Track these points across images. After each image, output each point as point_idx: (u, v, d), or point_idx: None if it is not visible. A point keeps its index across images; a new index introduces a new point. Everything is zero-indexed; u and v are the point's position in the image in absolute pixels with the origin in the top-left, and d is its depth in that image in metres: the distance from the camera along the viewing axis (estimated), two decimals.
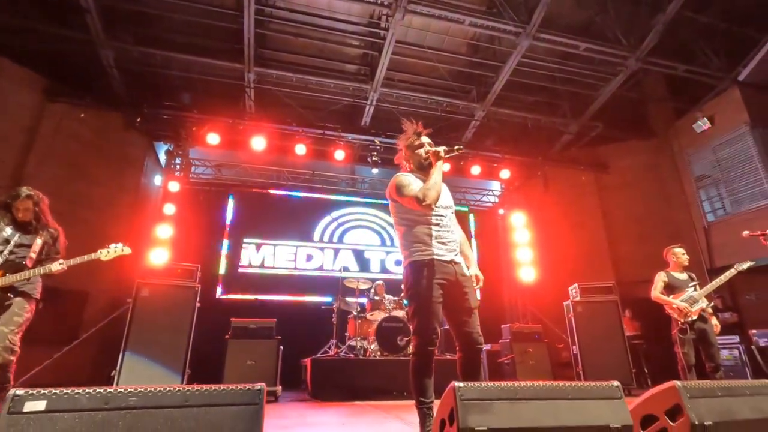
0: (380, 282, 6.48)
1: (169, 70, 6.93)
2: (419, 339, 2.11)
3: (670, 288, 4.05)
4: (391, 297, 6.14)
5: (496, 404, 1.40)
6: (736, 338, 5.93)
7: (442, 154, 2.27)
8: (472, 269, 2.32)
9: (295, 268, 8.24)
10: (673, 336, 3.95)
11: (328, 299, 6.33)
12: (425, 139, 2.41)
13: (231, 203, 8.29)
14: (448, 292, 2.15)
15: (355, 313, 5.97)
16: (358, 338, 5.70)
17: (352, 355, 5.55)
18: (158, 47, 6.35)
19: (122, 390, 1.13)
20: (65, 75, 6.43)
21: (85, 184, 6.61)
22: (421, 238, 2.19)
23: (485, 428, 1.35)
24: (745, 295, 7.02)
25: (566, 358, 6.74)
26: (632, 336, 6.72)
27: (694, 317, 3.88)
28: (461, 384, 1.43)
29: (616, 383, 1.57)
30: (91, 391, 1.11)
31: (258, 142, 7.05)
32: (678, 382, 1.61)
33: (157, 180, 8.06)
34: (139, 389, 1.15)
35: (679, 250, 4.15)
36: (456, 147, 2.29)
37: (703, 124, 7.64)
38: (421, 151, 2.36)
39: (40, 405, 1.04)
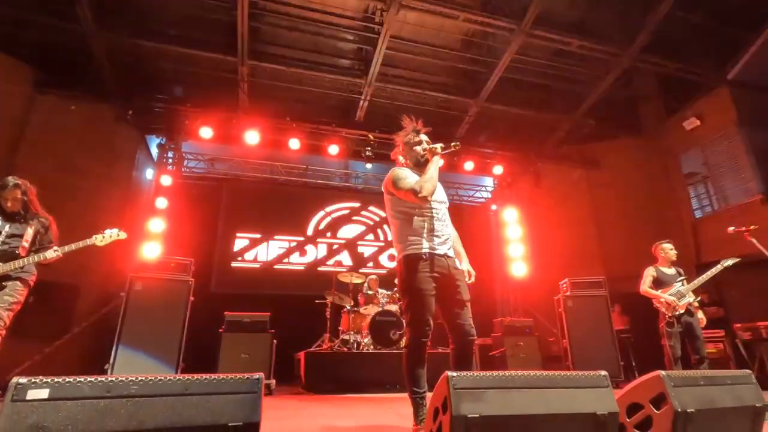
0: (374, 276, 6.52)
1: (162, 63, 6.86)
2: (412, 331, 2.15)
3: (659, 282, 4.15)
4: (384, 291, 6.18)
5: (488, 393, 1.45)
6: (722, 332, 6.07)
7: (439, 150, 2.31)
8: (464, 265, 2.36)
9: (289, 263, 8.25)
10: (660, 329, 4.05)
11: (322, 293, 6.35)
12: (423, 137, 2.44)
13: (224, 197, 8.26)
14: (441, 285, 2.19)
15: (348, 307, 6.01)
16: (352, 332, 5.74)
17: (345, 349, 5.59)
18: (150, 39, 6.28)
19: (124, 378, 1.16)
20: (55, 66, 6.33)
21: (75, 177, 6.53)
22: (416, 231, 2.23)
23: (477, 415, 1.39)
24: (731, 290, 7.18)
25: (557, 351, 6.85)
26: (621, 330, 6.85)
27: (682, 311, 3.98)
28: (454, 373, 1.47)
29: (603, 373, 1.62)
30: (93, 379, 1.13)
31: (252, 136, 7.02)
32: (662, 372, 1.67)
33: (149, 174, 7.99)
34: (140, 378, 1.17)
35: (668, 246, 4.24)
36: (453, 144, 2.33)
37: (692, 123, 7.77)
38: (419, 149, 2.39)
39: (43, 393, 1.06)
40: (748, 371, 1.96)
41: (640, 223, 8.22)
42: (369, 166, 7.92)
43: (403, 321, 2.12)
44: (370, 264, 8.64)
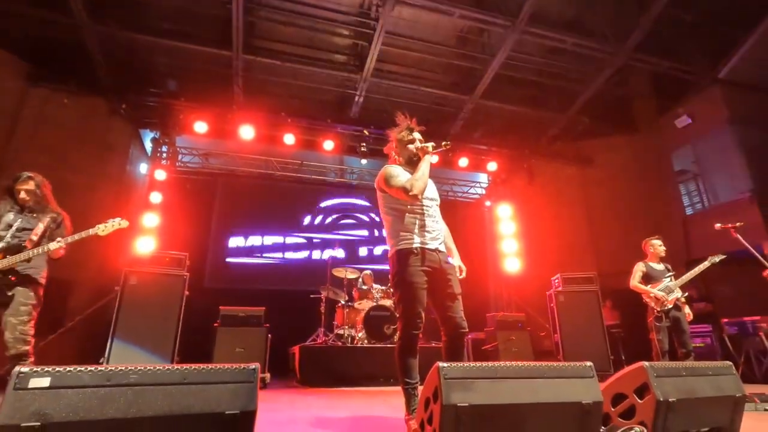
0: (368, 272, 6.56)
1: (156, 57, 6.81)
2: (404, 323, 2.20)
3: (648, 278, 4.23)
4: (378, 286, 6.23)
5: (477, 383, 1.49)
6: (709, 327, 6.19)
7: (430, 149, 2.36)
8: (455, 260, 2.42)
9: (284, 258, 8.27)
10: (648, 323, 4.14)
11: (317, 288, 6.39)
12: (417, 135, 2.48)
13: (219, 192, 8.25)
14: (432, 279, 2.24)
15: (343, 302, 6.05)
16: (346, 327, 5.79)
17: (339, 343, 5.64)
18: (144, 33, 6.23)
19: (123, 368, 1.19)
20: (48, 59, 6.27)
21: (68, 171, 6.48)
22: (408, 227, 2.28)
23: (467, 404, 1.44)
24: (720, 287, 7.30)
25: (548, 346, 6.95)
26: (612, 325, 6.95)
27: (670, 306, 4.06)
28: (445, 364, 1.52)
29: (589, 364, 1.67)
30: (93, 368, 1.16)
31: (246, 131, 7.01)
32: (646, 363, 1.73)
33: (143, 168, 7.95)
34: (139, 367, 1.20)
35: (657, 242, 4.32)
36: (444, 143, 2.39)
37: (684, 121, 7.86)
38: (412, 147, 2.44)
39: (45, 381, 1.09)
40: (729, 363, 2.03)
41: (632, 220, 8.32)
42: (364, 161, 7.94)
43: (396, 312, 2.19)
44: (364, 259, 8.68)
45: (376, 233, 8.89)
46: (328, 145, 7.46)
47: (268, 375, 5.10)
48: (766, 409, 2.87)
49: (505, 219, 8.85)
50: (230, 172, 8.42)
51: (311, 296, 6.44)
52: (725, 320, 6.01)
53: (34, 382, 1.08)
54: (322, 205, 8.84)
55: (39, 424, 1.04)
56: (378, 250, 8.84)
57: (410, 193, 2.20)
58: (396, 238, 2.30)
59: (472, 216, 9.77)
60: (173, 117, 6.97)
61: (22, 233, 2.80)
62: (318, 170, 8.80)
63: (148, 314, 4.75)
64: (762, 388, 4.10)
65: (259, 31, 6.83)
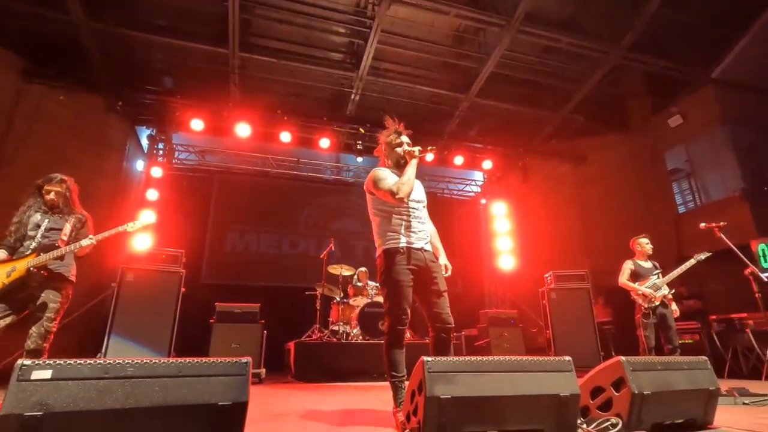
0: (363, 269, 6.63)
1: (152, 54, 6.83)
2: (391, 318, 2.30)
3: (636, 275, 4.32)
4: (373, 283, 6.29)
5: (460, 376, 1.57)
6: (698, 324, 6.29)
7: (416, 153, 2.44)
8: (441, 259, 2.50)
9: (280, 254, 8.32)
10: (636, 320, 4.23)
11: (312, 285, 6.46)
12: (404, 139, 2.55)
13: (215, 189, 8.28)
14: (418, 277, 2.33)
15: (338, 299, 6.12)
16: (341, 323, 5.85)
17: (334, 339, 5.71)
18: (140, 30, 6.24)
19: (120, 361, 1.25)
20: (44, 56, 6.28)
21: (64, 168, 6.39)
22: (395, 227, 2.37)
23: (449, 396, 1.51)
24: (710, 284, 7.41)
25: (541, 342, 7.05)
26: (604, 321, 7.06)
27: (657, 303, 4.15)
28: (429, 358, 1.59)
29: (567, 358, 1.75)
30: (92, 361, 1.22)
31: (243, 129, 7.04)
32: (623, 358, 1.80)
33: (139, 165, 7.98)
34: (136, 360, 1.27)
35: (644, 240, 4.41)
36: (429, 147, 2.52)
37: (677, 120, 7.95)
38: (400, 150, 2.51)
39: (47, 374, 1.15)
40: (704, 358, 2.11)
41: (626, 218, 8.40)
42: (360, 159, 7.99)
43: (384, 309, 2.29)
44: (360, 256, 8.75)
45: (372, 230, 8.94)
46: (324, 142, 7.51)
47: (263, 370, 5.18)
48: (744, 403, 2.96)
49: (500, 217, 8.93)
50: (227, 169, 8.46)
51: (307, 293, 6.50)
52: (714, 317, 6.11)
53: (37, 374, 1.14)
54: (318, 202, 8.90)
55: (41, 413, 1.10)
56: (373, 248, 8.90)
57: (397, 196, 2.29)
58: (383, 238, 2.39)
59: (468, 213, 9.85)
60: (170, 114, 7.00)
61: (51, 233, 2.89)
62: (314, 168, 8.85)
63: (145, 310, 4.81)
64: (747, 383, 4.21)
65: (256, 29, 6.84)
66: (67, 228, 2.95)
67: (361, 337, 5.68)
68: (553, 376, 1.67)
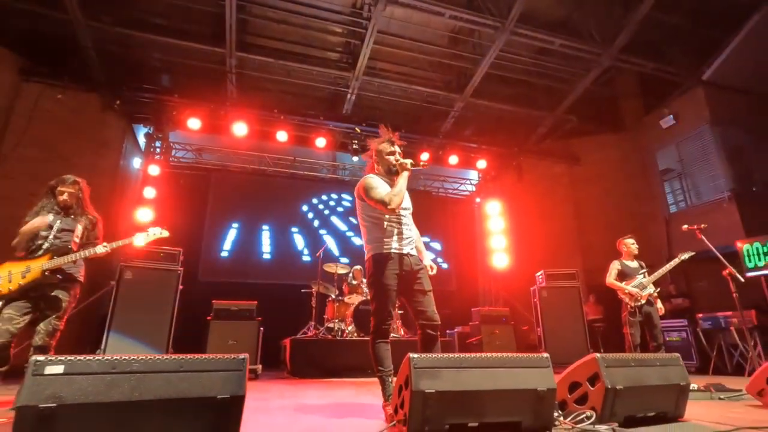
0: (358, 267, 6.72)
1: (149, 53, 6.88)
2: (376, 318, 2.43)
3: (623, 275, 4.44)
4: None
5: (443, 371, 1.67)
6: (685, 321, 6.45)
7: (408, 166, 2.56)
8: (426, 260, 2.64)
9: (276, 252, 8.41)
10: (622, 318, 4.35)
11: (308, 283, 6.56)
12: (397, 149, 2.66)
13: (212, 187, 8.35)
14: (405, 280, 2.47)
15: (333, 297, 6.22)
16: (336, 320, 5.96)
17: (329, 336, 5.81)
18: (138, 29, 6.29)
19: (127, 357, 1.35)
20: (42, 54, 6.32)
21: (61, 165, 6.51)
22: (385, 234, 2.50)
23: (434, 391, 1.62)
24: (699, 282, 7.57)
25: (533, 339, 7.18)
26: (595, 319, 7.21)
27: (643, 302, 4.28)
28: (415, 355, 1.69)
29: (545, 355, 1.86)
30: (100, 357, 1.32)
31: (240, 128, 7.10)
32: (598, 355, 1.92)
33: (136, 163, 8.03)
34: (141, 357, 1.36)
35: (630, 241, 4.53)
36: (422, 162, 2.61)
37: (669, 121, 8.07)
38: (392, 159, 2.63)
39: (59, 369, 1.25)
40: (677, 355, 2.23)
41: (618, 217, 8.55)
42: (355, 158, 8.07)
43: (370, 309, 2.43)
44: (355, 254, 8.85)
45: None
46: (321, 142, 7.58)
47: (260, 366, 5.28)
48: (720, 398, 3.09)
49: (495, 215, 9.04)
50: (223, 168, 8.52)
51: (302, 291, 6.60)
52: (700, 315, 6.27)
53: (50, 369, 1.24)
54: (314, 201, 8.98)
55: (54, 405, 1.20)
56: None
57: (388, 207, 2.42)
58: (373, 243, 2.51)
59: (463, 212, 9.97)
60: (167, 113, 7.05)
61: (63, 234, 2.95)
62: (310, 166, 8.93)
63: (143, 308, 4.90)
64: (731, 380, 4.35)
65: (253, 29, 6.91)
66: (79, 229, 3.02)
67: (355, 334, 5.79)
68: (531, 371, 1.78)
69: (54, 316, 2.80)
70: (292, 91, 7.79)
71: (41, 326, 2.77)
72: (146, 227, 3.43)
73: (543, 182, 9.17)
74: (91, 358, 1.30)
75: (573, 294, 6.21)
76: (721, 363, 6.01)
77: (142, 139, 7.71)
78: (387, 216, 2.51)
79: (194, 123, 6.97)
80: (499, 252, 8.76)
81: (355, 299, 6.06)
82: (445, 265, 9.31)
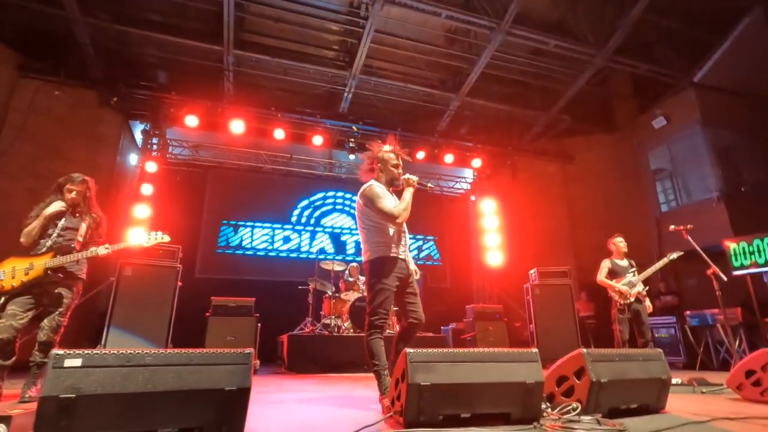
0: (354, 264, 6.81)
1: (147, 50, 6.89)
2: (374, 316, 2.57)
3: (613, 273, 4.56)
4: (364, 278, 6.47)
5: (438, 365, 1.77)
6: (674, 318, 6.61)
7: (414, 182, 2.72)
8: (411, 265, 2.80)
9: (273, 249, 8.48)
10: (612, 315, 4.48)
11: (305, 280, 6.64)
12: (401, 161, 2.82)
13: (209, 184, 8.38)
14: (401, 282, 2.64)
15: (329, 293, 6.30)
16: (333, 317, 6.04)
17: (326, 332, 5.90)
18: (135, 26, 6.31)
19: (140, 351, 1.43)
20: (39, 51, 6.32)
21: (59, 161, 6.56)
22: (387, 240, 2.64)
23: (429, 383, 1.72)
24: (688, 280, 7.73)
25: (526, 336, 7.32)
26: (586, 316, 7.35)
27: (632, 299, 4.40)
28: (411, 350, 1.79)
29: (534, 350, 1.96)
30: (115, 351, 1.41)
31: (237, 126, 7.15)
32: (584, 349, 2.02)
33: (133, 159, 8.04)
34: (153, 351, 1.45)
35: (619, 240, 4.66)
36: (428, 185, 2.87)
37: (661, 121, 8.20)
38: (396, 172, 2.78)
39: (77, 362, 1.33)
40: (659, 350, 2.34)
41: (611, 216, 8.68)
42: (352, 156, 8.13)
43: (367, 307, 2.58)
44: (352, 252, 8.94)
45: None
46: (317, 140, 7.64)
47: (257, 362, 5.36)
48: (702, 392, 3.22)
49: (489, 213, 9.16)
50: (220, 165, 8.55)
51: (299, 287, 6.68)
52: (688, 312, 6.42)
53: (69, 362, 1.32)
54: (311, 198, 9.05)
55: (74, 395, 1.28)
56: None
57: (397, 221, 2.60)
58: (376, 247, 2.64)
59: (458, 210, 10.07)
60: (164, 109, 7.08)
61: (66, 232, 2.99)
62: (307, 164, 8.98)
63: (142, 304, 4.96)
64: (716, 375, 4.50)
65: (250, 26, 6.94)
66: (83, 228, 3.06)
67: (351, 330, 5.88)
68: (520, 366, 1.88)
69: (57, 312, 2.86)
70: (289, 88, 7.83)
71: (45, 322, 2.83)
72: (143, 224, 3.49)
73: (537, 181, 9.29)
74: (107, 352, 1.38)
75: (565, 291, 6.34)
76: (708, 359, 6.18)
77: (139, 136, 7.72)
78: (387, 224, 2.65)
79: (191, 120, 7.00)
80: (493, 250, 8.88)
81: (351, 296, 6.14)
82: (439, 263, 9.44)
